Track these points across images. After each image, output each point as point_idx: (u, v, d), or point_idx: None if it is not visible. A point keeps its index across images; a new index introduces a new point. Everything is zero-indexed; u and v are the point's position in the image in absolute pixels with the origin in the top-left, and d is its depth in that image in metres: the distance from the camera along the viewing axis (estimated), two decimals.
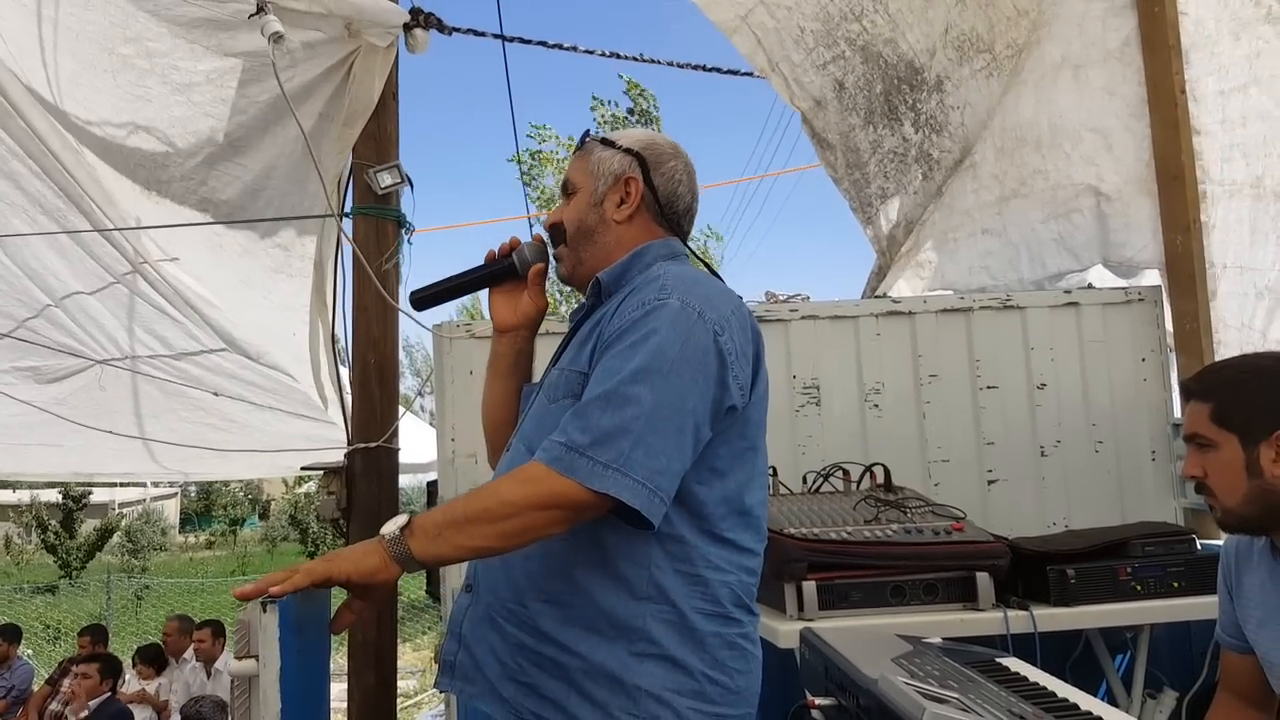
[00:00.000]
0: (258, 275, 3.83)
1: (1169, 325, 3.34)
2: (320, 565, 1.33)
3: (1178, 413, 3.29)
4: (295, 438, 5.25)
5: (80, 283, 4.23)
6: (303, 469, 3.69)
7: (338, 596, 1.43)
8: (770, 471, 2.92)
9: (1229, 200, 3.16)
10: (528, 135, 16.49)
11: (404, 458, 3.47)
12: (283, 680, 1.25)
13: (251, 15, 2.87)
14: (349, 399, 3.45)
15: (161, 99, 3.33)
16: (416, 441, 5.76)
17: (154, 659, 6.91)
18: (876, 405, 3.27)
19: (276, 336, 4.08)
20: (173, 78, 3.28)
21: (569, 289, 1.83)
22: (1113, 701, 2.68)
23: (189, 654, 6.86)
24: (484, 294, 1.91)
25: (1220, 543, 2.00)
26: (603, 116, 16.57)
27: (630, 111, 16.97)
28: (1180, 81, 3.20)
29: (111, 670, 6.09)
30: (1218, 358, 3.14)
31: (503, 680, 1.49)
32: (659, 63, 4.30)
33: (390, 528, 1.35)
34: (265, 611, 1.31)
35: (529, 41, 3.91)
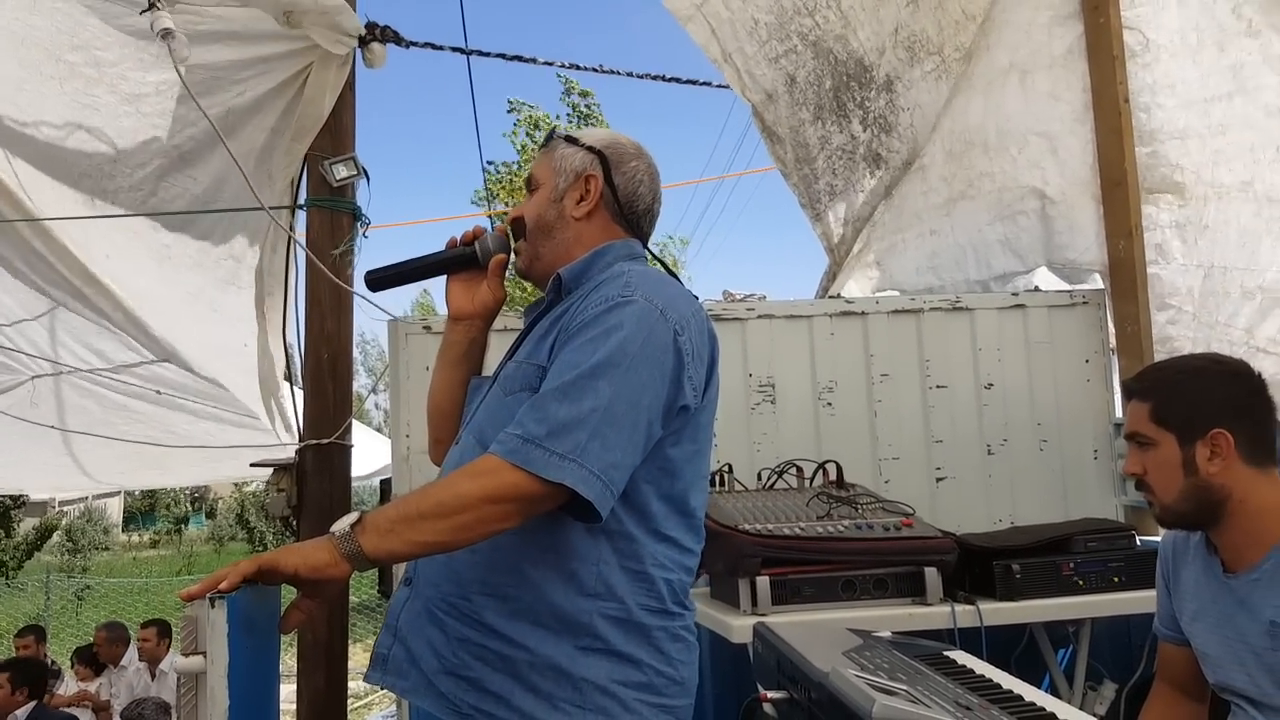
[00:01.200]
0: (209, 289, 3.74)
1: (1112, 327, 3.42)
2: (268, 555, 1.32)
3: (1119, 413, 3.37)
4: (240, 446, 5.13)
5: (21, 308, 4.10)
6: (252, 465, 3.63)
7: (289, 597, 1.41)
8: (726, 468, 2.95)
9: (1218, 201, 3.23)
10: (508, 112, 16.46)
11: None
12: (231, 677, 1.23)
13: (143, 11, 2.74)
14: (299, 394, 3.41)
15: (110, 108, 3.23)
16: (360, 447, 5.70)
17: (92, 660, 6.74)
18: (830, 404, 3.31)
19: (225, 350, 3.99)
20: (122, 87, 3.18)
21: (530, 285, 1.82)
22: (1055, 693, 2.75)
23: (128, 657, 6.71)
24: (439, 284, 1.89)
25: (1158, 539, 2.06)
26: (526, 119, 16.54)
27: (572, 112, 16.98)
28: (1124, 90, 3.28)
29: (26, 678, 5.57)
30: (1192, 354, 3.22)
31: (440, 675, 1.48)
32: (618, 73, 4.30)
33: (341, 525, 1.33)
34: (214, 607, 1.28)
35: (488, 54, 3.88)
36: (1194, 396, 1.75)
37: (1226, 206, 3.21)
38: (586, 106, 17.24)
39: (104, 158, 3.32)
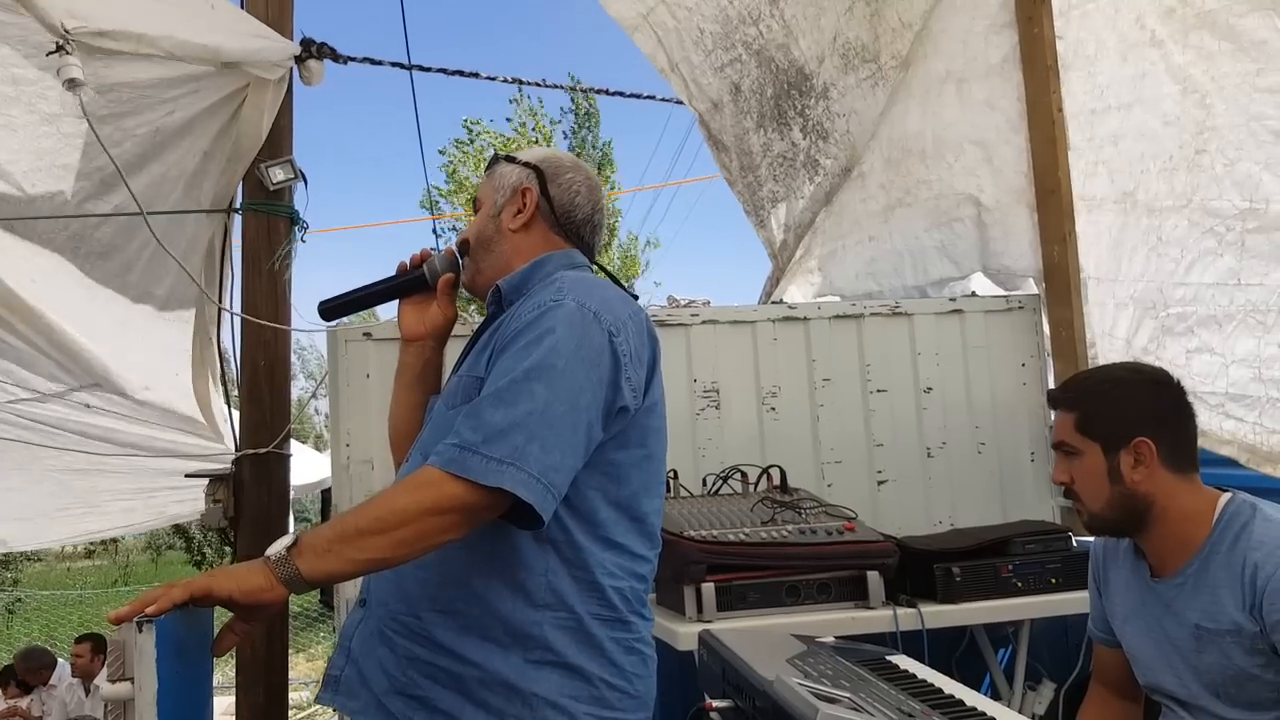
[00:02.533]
0: (136, 318, 3.62)
1: (1047, 332, 3.49)
2: (202, 579, 1.28)
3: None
4: (175, 474, 4.94)
5: None
6: (187, 475, 3.54)
7: (222, 616, 1.38)
8: (672, 474, 2.95)
9: (1089, 214, 3.32)
10: (463, 125, 16.44)
11: None
12: (160, 704, 1.18)
13: (49, 54, 2.51)
14: (235, 403, 3.34)
15: (29, 129, 3.07)
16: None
17: (20, 680, 6.54)
18: (773, 408, 3.33)
19: (159, 376, 3.86)
20: (40, 107, 3.02)
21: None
22: (996, 693, 2.79)
23: (58, 676, 6.52)
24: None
25: (1093, 539, 2.10)
26: (523, 111, 16.61)
27: (573, 110, 17.14)
28: (1058, 100, 3.35)
29: None
30: (1092, 364, 3.30)
31: (390, 695, 1.46)
32: (560, 88, 4.31)
33: (276, 547, 1.30)
34: (141, 632, 1.24)
35: (429, 69, 3.83)
36: (1117, 406, 1.79)
37: (1100, 218, 3.29)
38: (589, 110, 17.37)
39: (22, 179, 3.17)
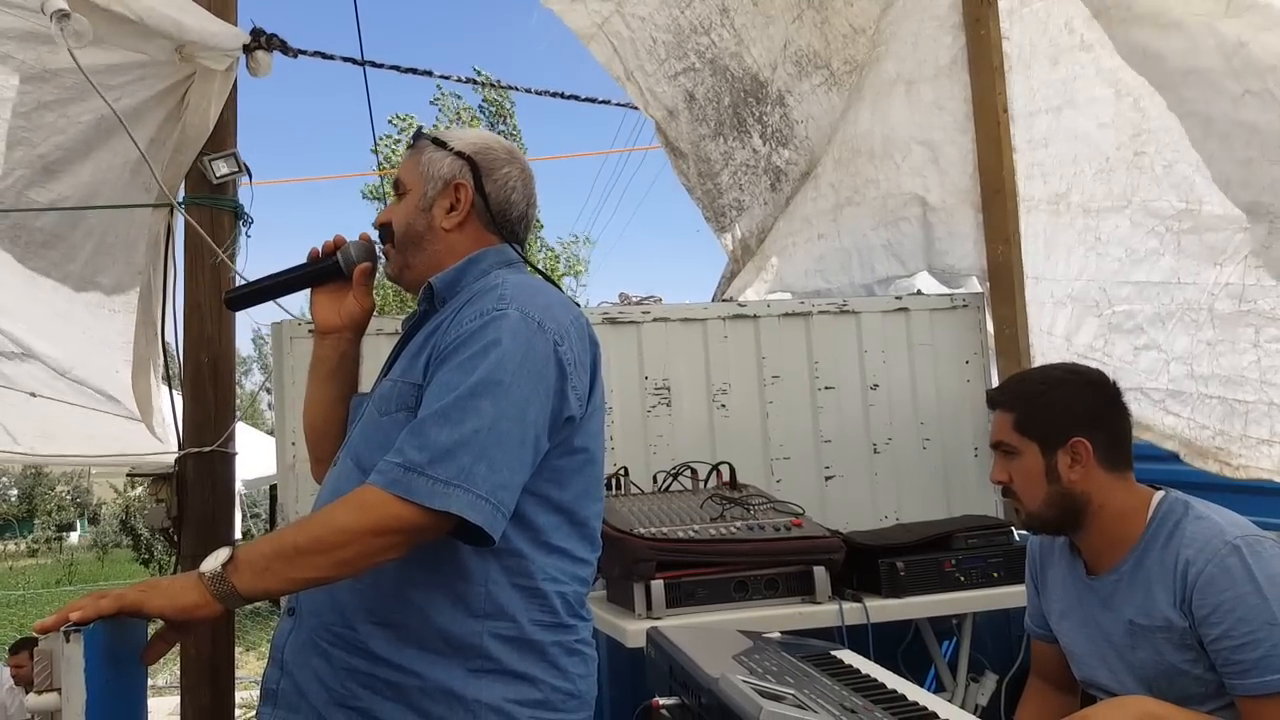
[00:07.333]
0: (78, 312, 3.52)
1: (990, 329, 3.55)
2: (133, 593, 1.26)
3: None
4: (126, 437, 4.87)
5: None
6: (129, 475, 3.47)
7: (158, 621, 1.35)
8: (623, 471, 2.96)
9: (1027, 215, 3.38)
10: (389, 121, 16.28)
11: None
12: (90, 715, 1.15)
13: None
14: (179, 401, 3.27)
15: None
16: (252, 450, 5.50)
17: None
18: (724, 405, 3.35)
19: (99, 372, 3.78)
20: None
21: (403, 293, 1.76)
22: (940, 685, 2.85)
23: (5, 677, 6.36)
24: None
25: None
26: (448, 110, 16.52)
27: (483, 106, 17.01)
28: (1003, 100, 3.40)
29: None
30: (1032, 362, 3.36)
31: (330, 707, 1.44)
32: (517, 89, 4.30)
33: (211, 563, 1.28)
34: (68, 641, 1.21)
35: (381, 65, 3.75)
36: (1055, 406, 1.83)
37: (1035, 219, 3.35)
38: (499, 106, 17.30)
39: None
